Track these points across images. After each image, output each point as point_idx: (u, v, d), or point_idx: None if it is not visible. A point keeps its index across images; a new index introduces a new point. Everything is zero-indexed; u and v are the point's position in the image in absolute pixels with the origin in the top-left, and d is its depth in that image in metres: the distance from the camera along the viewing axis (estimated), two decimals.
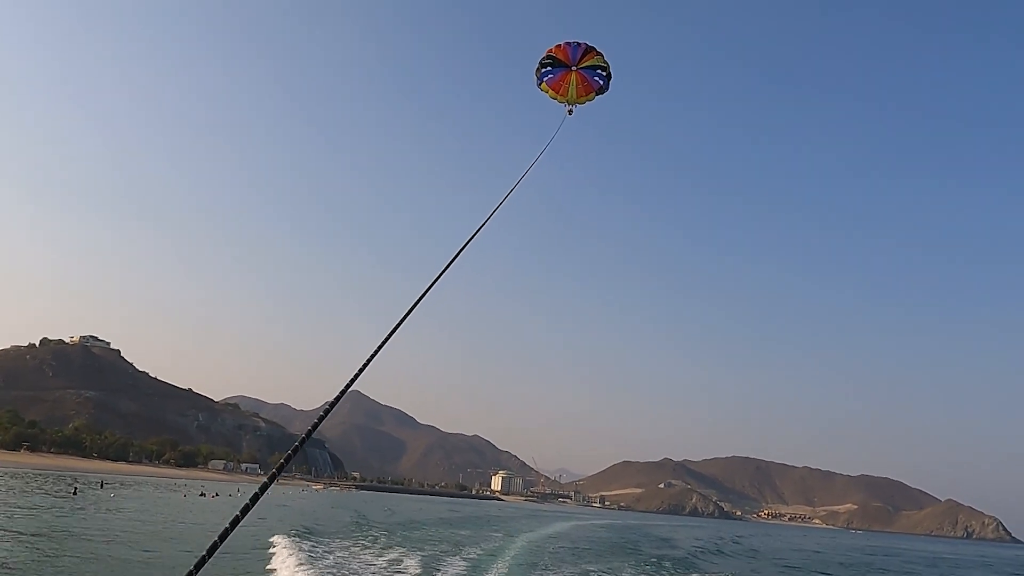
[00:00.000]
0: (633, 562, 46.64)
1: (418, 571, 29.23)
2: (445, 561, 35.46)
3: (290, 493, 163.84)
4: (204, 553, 3.66)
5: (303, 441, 4.28)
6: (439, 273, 6.71)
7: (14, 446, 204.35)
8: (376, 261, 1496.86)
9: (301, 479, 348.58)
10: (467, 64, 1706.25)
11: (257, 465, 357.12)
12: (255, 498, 4.02)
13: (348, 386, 5.09)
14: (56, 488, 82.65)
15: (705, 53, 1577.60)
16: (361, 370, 5.17)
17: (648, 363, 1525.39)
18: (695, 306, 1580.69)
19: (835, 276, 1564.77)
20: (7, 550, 31.45)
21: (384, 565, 31.45)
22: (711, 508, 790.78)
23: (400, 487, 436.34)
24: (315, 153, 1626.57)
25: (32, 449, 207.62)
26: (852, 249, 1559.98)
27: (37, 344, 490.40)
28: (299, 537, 39.78)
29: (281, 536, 40.12)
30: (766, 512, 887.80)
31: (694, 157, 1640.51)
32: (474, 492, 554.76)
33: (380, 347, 5.35)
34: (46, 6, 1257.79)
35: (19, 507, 54.98)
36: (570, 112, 17.60)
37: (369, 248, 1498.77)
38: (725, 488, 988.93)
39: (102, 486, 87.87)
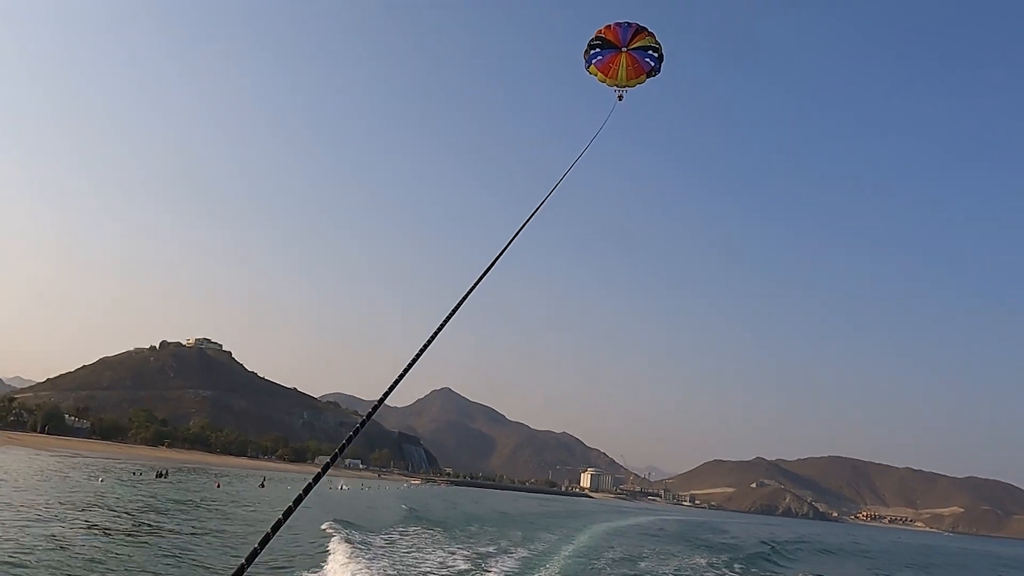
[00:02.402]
0: (702, 550, 54.41)
1: (513, 555, 38.38)
2: (536, 540, 46.22)
3: (389, 488, 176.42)
4: (268, 531, 3.73)
5: (357, 430, 4.70)
6: (493, 259, 7.04)
7: (154, 442, 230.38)
8: (478, 256, 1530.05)
9: (399, 475, 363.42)
10: (510, 54, 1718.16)
11: (359, 460, 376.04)
12: (317, 477, 4.19)
13: (401, 376, 5.19)
14: (203, 481, 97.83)
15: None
16: (411, 363, 5.32)
17: (740, 360, 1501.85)
18: (791, 301, 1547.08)
19: (945, 274, 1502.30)
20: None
21: (491, 550, 38.36)
22: (806, 509, 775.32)
23: (492, 483, 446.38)
24: (435, 160, 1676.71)
25: (168, 446, 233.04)
26: (967, 245, 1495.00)
27: (157, 347, 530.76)
28: (425, 521, 51.50)
29: (411, 522, 51.81)
30: (864, 514, 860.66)
31: (799, 146, 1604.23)
32: (564, 489, 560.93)
33: (432, 338, 5.64)
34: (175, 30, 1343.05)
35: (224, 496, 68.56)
36: (620, 97, 17.11)
37: (469, 248, 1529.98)
38: (821, 488, 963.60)
39: (263, 484, 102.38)
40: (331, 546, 28.92)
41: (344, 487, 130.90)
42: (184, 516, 43.02)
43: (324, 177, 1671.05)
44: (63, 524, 31.29)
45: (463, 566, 29.32)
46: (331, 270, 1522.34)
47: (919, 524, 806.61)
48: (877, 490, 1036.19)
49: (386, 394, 4.88)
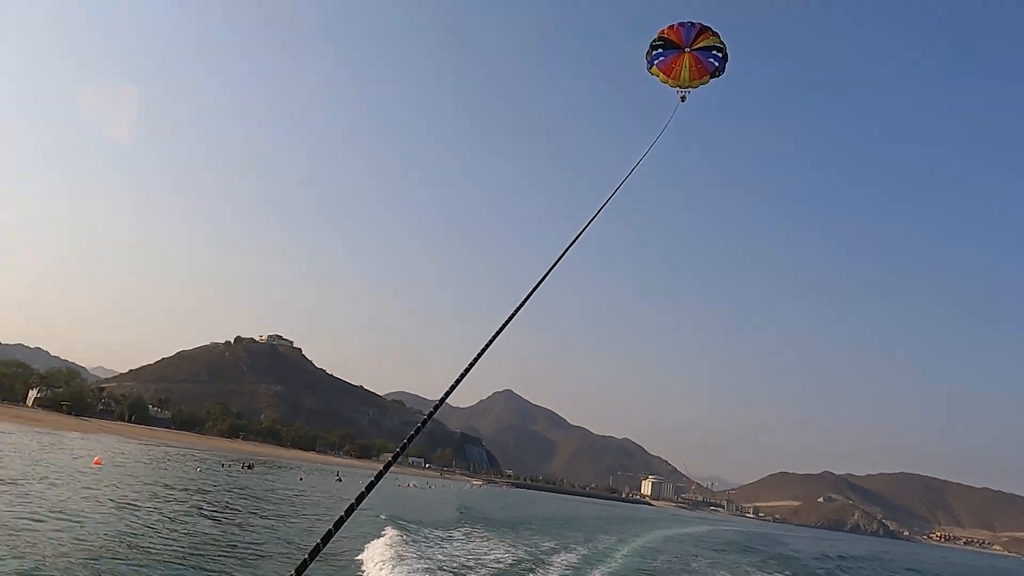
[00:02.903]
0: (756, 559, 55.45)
1: (573, 553, 41.16)
2: (594, 542, 48.53)
3: (453, 487, 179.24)
4: (331, 527, 3.82)
5: (419, 429, 4.72)
6: (552, 264, 7.04)
7: (229, 435, 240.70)
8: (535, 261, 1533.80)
9: (461, 474, 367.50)
10: (570, 64, 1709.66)
11: (422, 459, 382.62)
12: (380, 475, 4.27)
13: (462, 376, 5.30)
14: (286, 474, 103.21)
15: None
16: (472, 364, 5.37)
17: (809, 372, 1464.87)
18: (859, 311, 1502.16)
19: None
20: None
21: (552, 545, 41.09)
22: (875, 526, 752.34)
23: (552, 487, 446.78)
24: (498, 167, 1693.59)
25: (243, 439, 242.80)
26: None
27: (232, 342, 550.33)
28: (489, 519, 54.23)
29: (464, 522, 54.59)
30: (938, 534, 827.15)
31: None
32: (624, 495, 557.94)
33: (491, 341, 5.57)
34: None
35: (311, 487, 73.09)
36: (683, 98, 16.65)
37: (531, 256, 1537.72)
38: (892, 506, 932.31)
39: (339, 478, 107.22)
40: (386, 537, 31.58)
41: (413, 485, 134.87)
42: (279, 504, 47.16)
43: (391, 185, 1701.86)
44: (180, 505, 35.21)
45: (525, 559, 31.92)
46: (396, 273, 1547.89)
47: (997, 547, 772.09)
48: (952, 510, 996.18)
49: (447, 394, 5.07)
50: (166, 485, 46.77)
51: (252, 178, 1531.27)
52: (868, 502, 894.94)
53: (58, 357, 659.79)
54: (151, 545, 22.53)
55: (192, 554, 22.00)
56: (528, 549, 36.77)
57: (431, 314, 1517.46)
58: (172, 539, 24.14)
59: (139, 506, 32.11)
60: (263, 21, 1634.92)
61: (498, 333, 5.66)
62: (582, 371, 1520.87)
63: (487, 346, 5.49)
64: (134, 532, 24.51)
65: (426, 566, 24.28)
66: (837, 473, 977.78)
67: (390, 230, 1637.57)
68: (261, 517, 37.54)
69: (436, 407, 4.73)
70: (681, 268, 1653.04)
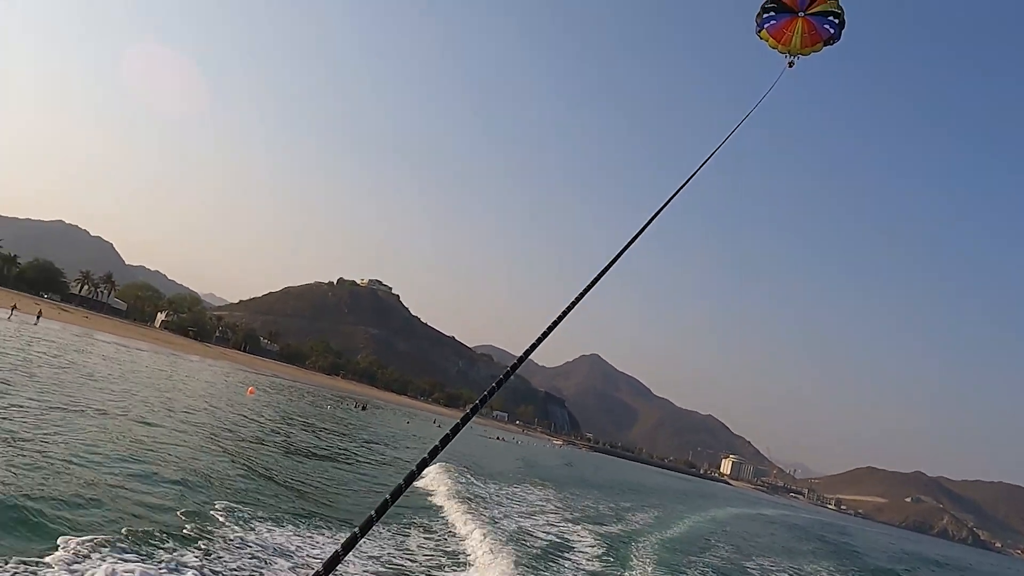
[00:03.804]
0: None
1: (647, 513, 45.51)
2: (667, 509, 52.77)
3: (536, 444, 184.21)
4: (400, 482, 3.67)
5: (501, 382, 4.41)
6: (643, 226, 6.74)
7: (329, 371, 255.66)
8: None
9: (543, 432, 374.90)
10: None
11: (506, 414, 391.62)
12: (458, 427, 3.92)
13: (543, 336, 5.10)
14: (393, 417, 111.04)
15: None
16: (555, 324, 5.17)
17: (911, 367, 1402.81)
18: (974, 305, 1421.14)
19: None
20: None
21: (628, 505, 46.76)
22: (964, 534, 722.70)
23: (631, 454, 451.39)
24: (601, 121, 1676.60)
25: (342, 377, 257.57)
26: None
27: (335, 283, 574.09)
28: (577, 477, 59.30)
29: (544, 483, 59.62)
30: None
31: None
32: (702, 472, 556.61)
33: (576, 301, 5.50)
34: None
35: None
36: (791, 64, 15.58)
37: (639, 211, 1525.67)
38: (985, 515, 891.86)
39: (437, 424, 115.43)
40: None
41: (500, 438, 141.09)
42: (404, 443, 54.41)
43: (500, 139, 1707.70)
44: (336, 437, 41.68)
45: (605, 512, 36.87)
46: (497, 226, 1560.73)
47: None
48: None
49: (527, 352, 4.96)
50: (309, 417, 54.34)
51: (376, 130, 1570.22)
52: (960, 508, 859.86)
53: (174, 281, 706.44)
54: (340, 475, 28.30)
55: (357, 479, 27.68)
56: (609, 504, 41.89)
57: (527, 273, 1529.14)
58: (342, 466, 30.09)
59: (298, 435, 38.55)
60: None
61: (583, 294, 5.71)
62: (675, 344, 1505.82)
63: (570, 307, 5.51)
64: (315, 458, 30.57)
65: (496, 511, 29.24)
66: (930, 475, 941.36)
67: (495, 184, 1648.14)
68: (394, 452, 44.06)
69: (516, 364, 4.73)
70: (793, 246, 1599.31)
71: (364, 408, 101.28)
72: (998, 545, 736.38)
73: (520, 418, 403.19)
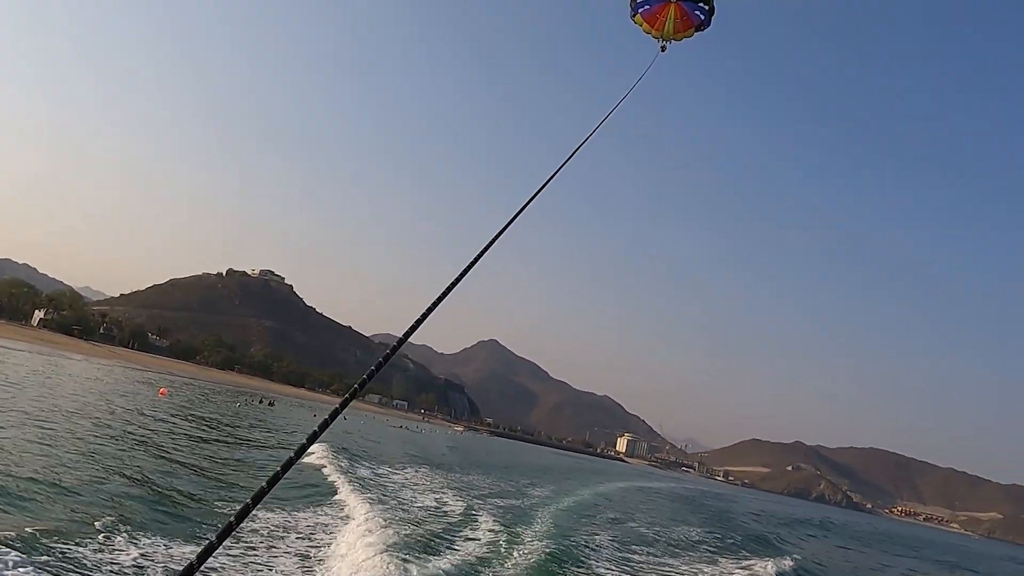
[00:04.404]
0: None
1: (538, 494, 49.39)
2: (559, 485, 56.77)
3: (438, 432, 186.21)
4: (279, 468, 3.51)
5: (380, 365, 4.32)
6: (517, 211, 6.66)
7: (223, 366, 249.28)
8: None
9: (443, 419, 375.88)
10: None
11: (406, 402, 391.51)
12: (334, 414, 3.84)
13: (421, 319, 4.91)
14: (301, 412, 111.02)
15: None
16: (433, 305, 5.03)
17: (791, 343, 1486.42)
18: (850, 286, 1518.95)
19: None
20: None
21: (527, 483, 50.66)
22: (839, 497, 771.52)
23: (530, 437, 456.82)
24: (496, 114, 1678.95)
25: (239, 371, 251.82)
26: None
27: (224, 274, 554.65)
28: (473, 463, 62.39)
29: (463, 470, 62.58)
30: (899, 509, 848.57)
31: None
32: (599, 451, 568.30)
33: (456, 281, 5.31)
34: None
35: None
36: (663, 48, 15.85)
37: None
38: (859, 479, 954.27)
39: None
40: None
41: (403, 427, 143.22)
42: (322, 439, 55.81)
43: (383, 122, 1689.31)
44: (251, 435, 43.05)
45: (508, 490, 40.27)
46: (388, 214, 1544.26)
47: (954, 526, 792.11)
48: (916, 487, 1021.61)
49: (405, 337, 4.78)
50: (222, 417, 55.33)
51: (255, 111, 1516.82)
52: (836, 474, 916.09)
53: (46, 275, 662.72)
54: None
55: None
56: (510, 485, 45.40)
57: (418, 255, 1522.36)
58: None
59: (224, 441, 39.90)
60: None
61: (462, 275, 5.59)
62: (567, 326, 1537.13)
63: (447, 292, 5.38)
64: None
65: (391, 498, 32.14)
66: (808, 444, 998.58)
67: (384, 173, 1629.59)
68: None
69: (393, 350, 4.66)
70: (675, 232, 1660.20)
71: (271, 404, 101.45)
72: (869, 506, 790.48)
73: (421, 406, 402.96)
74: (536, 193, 7.20)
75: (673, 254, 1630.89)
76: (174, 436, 34.64)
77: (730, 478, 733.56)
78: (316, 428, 3.70)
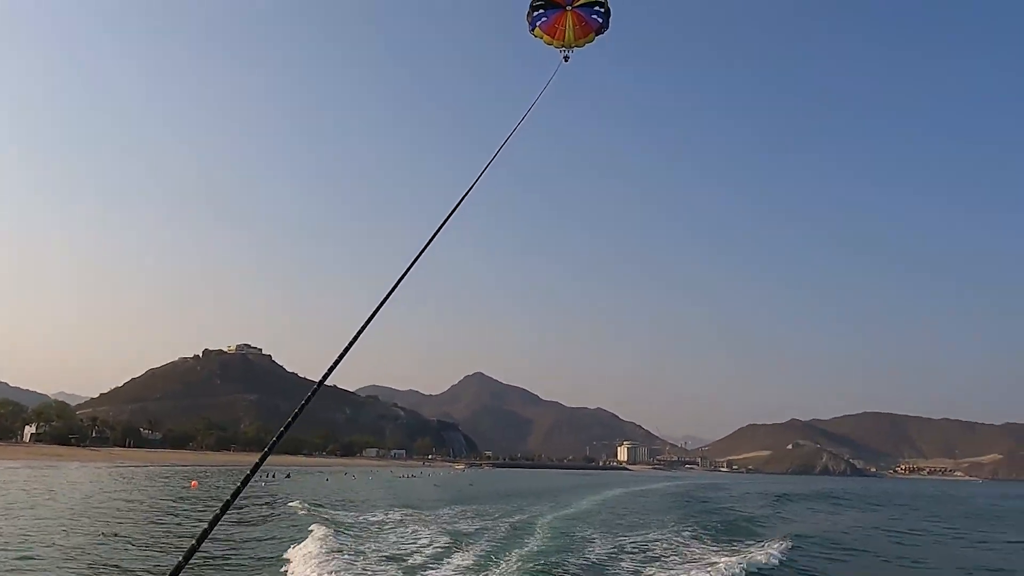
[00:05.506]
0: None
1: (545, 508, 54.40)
2: (558, 502, 61.61)
3: (442, 474, 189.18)
4: (194, 542, 3.61)
5: (303, 407, 4.48)
6: (440, 224, 6.92)
7: (217, 448, 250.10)
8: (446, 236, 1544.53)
9: (443, 461, 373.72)
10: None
11: (403, 451, 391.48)
12: (255, 468, 4.08)
13: (353, 341, 5.17)
14: (313, 479, 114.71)
15: None
16: (354, 339, 5.25)
17: (768, 323, 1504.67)
18: (811, 252, 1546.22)
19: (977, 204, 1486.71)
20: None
21: (551, 505, 56.12)
22: (843, 467, 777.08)
23: (531, 463, 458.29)
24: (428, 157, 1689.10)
25: (233, 450, 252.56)
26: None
27: (201, 355, 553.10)
28: (483, 495, 67.04)
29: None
30: (903, 467, 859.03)
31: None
32: (601, 464, 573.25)
33: (380, 305, 5.64)
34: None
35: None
36: (566, 58, 15.81)
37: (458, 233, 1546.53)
38: (858, 445, 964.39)
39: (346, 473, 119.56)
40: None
41: (412, 475, 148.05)
42: (348, 498, 60.54)
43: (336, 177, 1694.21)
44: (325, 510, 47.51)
45: (516, 507, 45.50)
46: (350, 270, 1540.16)
47: (959, 474, 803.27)
48: (915, 443, 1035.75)
49: (330, 370, 4.93)
50: (263, 496, 60.00)
51: (191, 185, 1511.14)
52: (835, 444, 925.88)
53: (18, 387, 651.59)
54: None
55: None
56: (517, 507, 50.61)
57: (390, 303, 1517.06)
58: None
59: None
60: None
61: (381, 304, 5.73)
62: (551, 346, 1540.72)
63: (368, 321, 5.42)
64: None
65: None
66: (803, 419, 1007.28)
67: (333, 228, 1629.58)
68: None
69: (315, 390, 4.63)
70: (632, 226, 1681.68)
71: (288, 476, 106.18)
72: (873, 470, 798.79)
73: (418, 451, 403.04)
74: (450, 214, 7.32)
75: (646, 250, 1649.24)
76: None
77: (734, 467, 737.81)
78: (229, 497, 3.75)
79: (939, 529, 54.72)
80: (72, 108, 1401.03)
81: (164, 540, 28.82)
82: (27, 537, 28.47)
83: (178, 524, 33.68)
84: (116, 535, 29.83)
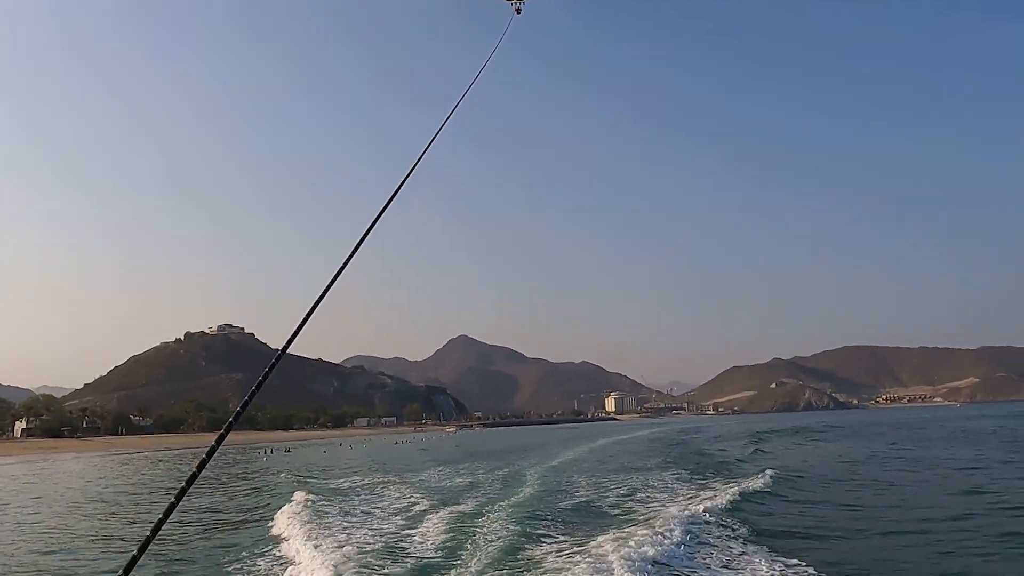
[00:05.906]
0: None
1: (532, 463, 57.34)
2: (545, 455, 64.54)
3: (434, 438, 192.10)
4: (161, 515, 3.55)
5: (260, 384, 4.23)
6: (396, 187, 6.82)
7: (209, 429, 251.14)
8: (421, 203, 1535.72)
9: (434, 425, 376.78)
10: None
11: (393, 418, 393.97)
12: (210, 453, 3.92)
13: (309, 314, 4.82)
14: (312, 452, 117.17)
15: None
16: (317, 302, 5.01)
17: (744, 264, 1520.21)
18: (788, 197, 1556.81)
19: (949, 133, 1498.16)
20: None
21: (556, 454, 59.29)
22: (826, 401, 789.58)
23: (521, 420, 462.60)
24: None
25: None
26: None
27: (183, 338, 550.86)
28: (476, 453, 69.98)
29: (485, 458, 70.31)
30: (884, 397, 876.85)
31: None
32: (590, 416, 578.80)
33: (341, 270, 5.51)
34: None
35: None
36: (518, 11, 15.39)
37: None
38: (839, 380, 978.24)
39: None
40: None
41: (407, 441, 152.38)
42: (353, 466, 62.98)
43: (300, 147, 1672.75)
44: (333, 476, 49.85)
45: (510, 457, 48.23)
46: (323, 244, 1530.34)
47: (938, 399, 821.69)
48: (895, 373, 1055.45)
49: (291, 339, 4.69)
50: (272, 467, 62.33)
51: (173, 171, 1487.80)
52: (817, 379, 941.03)
53: (5, 385, 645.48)
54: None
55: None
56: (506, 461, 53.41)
57: (371, 272, 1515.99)
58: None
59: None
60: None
61: (342, 268, 5.66)
62: (532, 302, 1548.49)
63: (326, 290, 5.34)
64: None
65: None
66: (785, 358, 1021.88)
67: (312, 200, 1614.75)
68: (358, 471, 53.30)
69: (276, 359, 4.42)
70: (614, 175, 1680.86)
71: (288, 451, 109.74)
72: (855, 402, 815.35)
73: (408, 418, 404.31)
74: (393, 194, 7.21)
75: (615, 205, 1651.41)
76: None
77: (720, 409, 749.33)
78: (195, 469, 3.67)
79: (897, 452, 58.33)
80: (29, 103, 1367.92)
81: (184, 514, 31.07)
82: (66, 527, 30.59)
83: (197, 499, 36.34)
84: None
